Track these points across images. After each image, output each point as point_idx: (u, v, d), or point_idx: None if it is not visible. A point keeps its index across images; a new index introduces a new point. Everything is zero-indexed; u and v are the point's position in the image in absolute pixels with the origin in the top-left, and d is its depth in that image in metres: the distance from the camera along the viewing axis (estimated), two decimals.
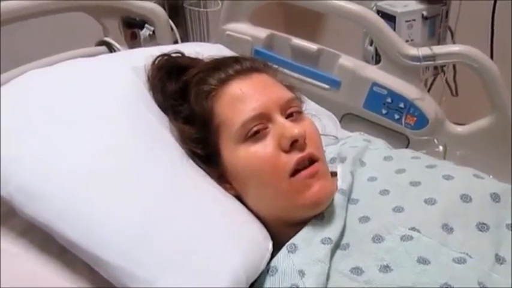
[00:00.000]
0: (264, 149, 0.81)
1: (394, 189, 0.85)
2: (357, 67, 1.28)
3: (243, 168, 0.83)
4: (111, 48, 1.30)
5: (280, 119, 0.83)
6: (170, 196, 0.80)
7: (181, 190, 0.81)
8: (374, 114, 1.27)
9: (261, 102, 0.83)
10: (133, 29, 1.35)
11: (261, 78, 0.88)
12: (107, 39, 1.31)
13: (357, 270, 0.75)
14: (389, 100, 1.23)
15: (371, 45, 1.40)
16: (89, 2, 1.26)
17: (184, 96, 0.91)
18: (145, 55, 0.98)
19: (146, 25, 1.34)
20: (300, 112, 0.87)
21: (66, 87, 0.88)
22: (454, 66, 1.40)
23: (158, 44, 1.28)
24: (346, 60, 1.29)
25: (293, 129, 0.81)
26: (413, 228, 0.77)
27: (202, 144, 0.87)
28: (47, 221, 0.74)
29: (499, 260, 0.75)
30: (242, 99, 0.84)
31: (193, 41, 1.75)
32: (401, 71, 1.22)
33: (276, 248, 0.82)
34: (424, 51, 1.18)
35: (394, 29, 1.32)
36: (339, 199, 0.84)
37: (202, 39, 1.76)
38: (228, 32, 1.39)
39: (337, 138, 1.09)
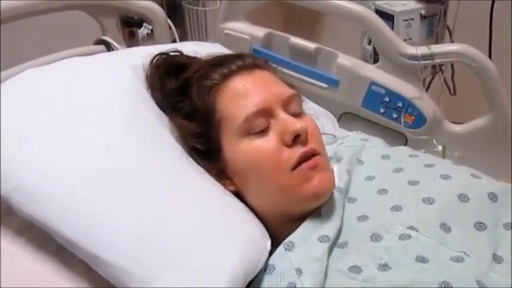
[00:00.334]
0: (267, 143, 0.82)
1: (392, 189, 0.86)
2: (355, 66, 1.28)
3: (245, 163, 0.83)
4: (109, 47, 1.30)
5: (282, 114, 0.84)
6: (169, 196, 0.80)
7: (180, 189, 0.81)
8: (372, 113, 1.27)
9: (263, 98, 0.83)
10: (131, 27, 1.36)
11: (262, 75, 0.89)
12: (105, 38, 1.31)
13: (356, 269, 0.75)
14: (387, 99, 1.23)
15: (369, 44, 1.40)
16: (87, 1, 1.26)
17: (184, 93, 0.91)
18: (144, 54, 0.98)
19: (144, 24, 1.34)
20: (300, 108, 0.88)
21: (65, 86, 0.88)
22: (452, 65, 1.40)
23: (156, 43, 1.28)
24: (344, 59, 1.29)
25: (295, 124, 0.82)
26: (411, 227, 0.78)
27: (203, 139, 0.87)
28: (46, 220, 0.74)
29: (496, 259, 0.75)
30: (245, 94, 0.84)
31: (192, 39, 1.75)
32: (399, 70, 1.22)
33: (274, 245, 0.82)
34: (422, 50, 1.18)
35: (392, 28, 1.33)
36: (336, 197, 0.84)
37: (200, 38, 1.76)
38: (226, 31, 1.39)
39: (335, 137, 1.10)
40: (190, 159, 0.87)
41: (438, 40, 1.42)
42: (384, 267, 0.74)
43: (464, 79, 1.30)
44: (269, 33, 1.37)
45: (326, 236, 0.79)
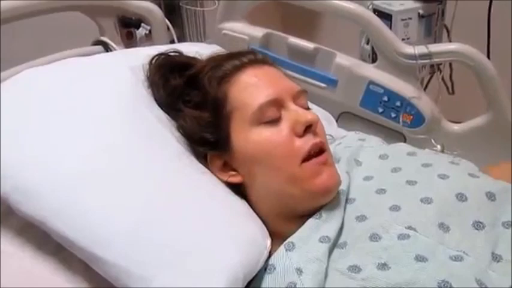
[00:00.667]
0: (279, 133, 0.83)
1: (390, 189, 0.86)
2: (354, 66, 1.28)
3: (255, 152, 0.83)
4: (107, 48, 1.30)
5: (293, 106, 0.85)
6: (168, 194, 0.80)
7: (179, 188, 0.81)
8: (370, 113, 1.27)
9: (275, 89, 0.85)
10: (129, 28, 1.35)
11: (272, 70, 0.90)
12: (103, 38, 1.31)
13: (355, 268, 0.75)
14: (385, 99, 1.23)
15: (367, 43, 1.40)
16: (84, 2, 1.26)
17: (192, 86, 0.92)
18: (142, 55, 0.98)
19: (142, 24, 1.34)
20: (308, 105, 0.90)
21: (63, 86, 0.88)
22: (450, 65, 1.40)
23: (154, 44, 1.28)
24: (342, 59, 1.29)
25: (307, 114, 0.84)
26: (410, 227, 0.78)
27: (213, 128, 0.87)
28: (45, 219, 0.74)
29: (495, 258, 0.76)
30: (257, 85, 0.86)
31: (190, 40, 1.75)
32: (397, 69, 1.22)
33: (275, 245, 0.82)
34: (421, 49, 1.18)
35: (391, 28, 1.32)
36: (337, 198, 0.84)
37: (198, 39, 1.76)
38: (224, 31, 1.39)
39: (333, 137, 1.10)
40: (191, 158, 0.87)
41: (436, 39, 1.42)
42: (383, 266, 0.74)
43: (462, 78, 1.30)
44: (267, 33, 1.37)
45: (327, 236, 0.79)
